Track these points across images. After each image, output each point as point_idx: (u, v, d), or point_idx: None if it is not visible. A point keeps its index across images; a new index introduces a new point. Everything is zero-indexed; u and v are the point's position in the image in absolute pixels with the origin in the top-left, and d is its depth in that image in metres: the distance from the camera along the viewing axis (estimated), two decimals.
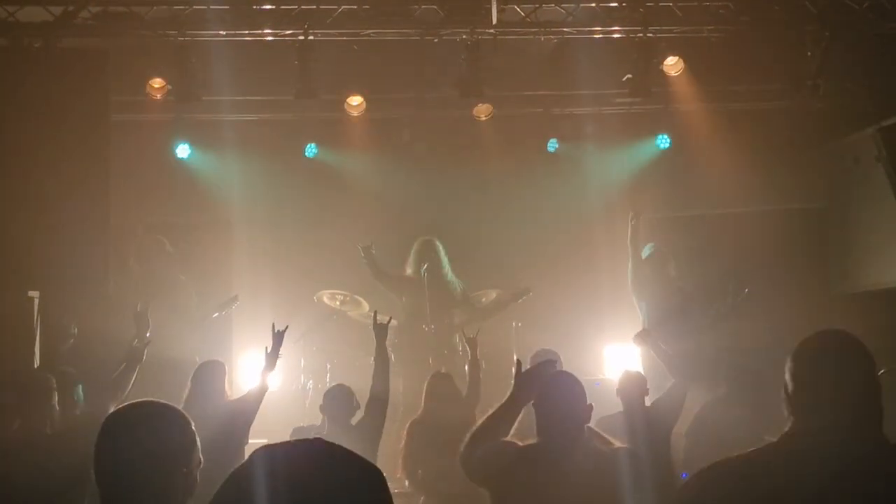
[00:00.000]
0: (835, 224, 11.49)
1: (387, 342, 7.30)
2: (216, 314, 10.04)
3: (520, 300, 11.13)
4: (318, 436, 1.96)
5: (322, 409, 6.97)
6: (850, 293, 11.14)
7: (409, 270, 11.05)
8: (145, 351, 6.87)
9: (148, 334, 6.91)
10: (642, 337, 7.67)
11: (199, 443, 2.89)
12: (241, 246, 11.89)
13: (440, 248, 11.04)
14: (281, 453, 1.85)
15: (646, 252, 10.38)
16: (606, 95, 11.59)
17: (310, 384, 10.84)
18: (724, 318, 9.94)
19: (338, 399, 6.94)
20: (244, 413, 6.69)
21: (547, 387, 4.54)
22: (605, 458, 4.38)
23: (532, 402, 4.55)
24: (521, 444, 4.56)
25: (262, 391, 6.77)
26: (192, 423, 2.91)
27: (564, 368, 7.33)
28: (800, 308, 10.75)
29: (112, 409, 3.10)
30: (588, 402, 4.52)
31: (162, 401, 3.03)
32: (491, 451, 4.48)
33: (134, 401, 3.06)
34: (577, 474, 4.25)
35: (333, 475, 1.80)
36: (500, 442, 4.55)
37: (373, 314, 7.67)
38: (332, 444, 1.88)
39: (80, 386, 7.12)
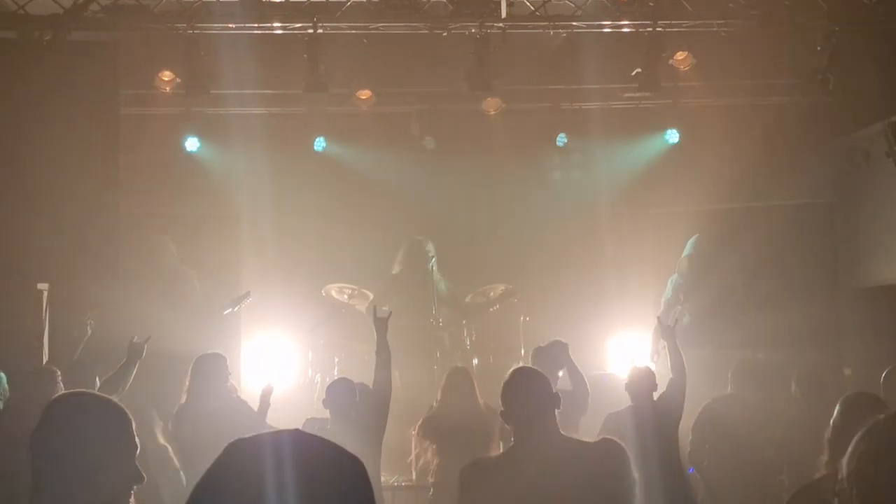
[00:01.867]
0: (843, 219, 11.46)
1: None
2: (228, 310, 10.01)
3: (506, 302, 11.22)
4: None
5: (325, 402, 6.96)
6: (858, 288, 11.11)
7: (395, 269, 11.15)
8: (145, 347, 6.88)
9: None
10: (668, 331, 7.25)
11: (136, 436, 2.87)
12: (250, 239, 11.90)
13: (430, 248, 11.10)
14: (257, 445, 1.82)
15: (688, 249, 10.54)
16: (615, 90, 11.56)
17: (317, 378, 10.85)
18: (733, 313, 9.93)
19: (339, 393, 6.93)
20: (252, 414, 6.76)
21: (508, 387, 4.48)
22: (585, 449, 4.36)
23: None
24: (495, 455, 4.52)
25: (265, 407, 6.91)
26: (130, 416, 2.89)
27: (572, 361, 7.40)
28: (808, 302, 10.75)
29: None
30: (554, 390, 4.46)
31: (98, 393, 3.04)
32: (470, 477, 4.44)
33: (73, 391, 3.05)
34: (558, 468, 4.22)
35: (311, 466, 1.79)
36: (474, 463, 4.52)
37: (373, 308, 7.62)
38: (311, 435, 1.86)
39: (97, 378, 7.13)
